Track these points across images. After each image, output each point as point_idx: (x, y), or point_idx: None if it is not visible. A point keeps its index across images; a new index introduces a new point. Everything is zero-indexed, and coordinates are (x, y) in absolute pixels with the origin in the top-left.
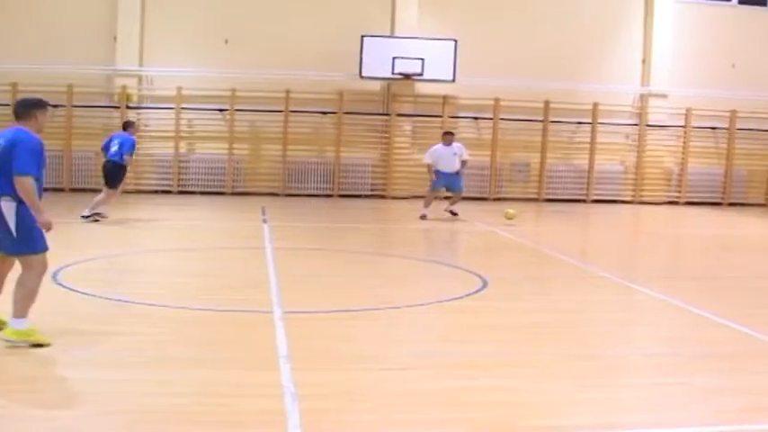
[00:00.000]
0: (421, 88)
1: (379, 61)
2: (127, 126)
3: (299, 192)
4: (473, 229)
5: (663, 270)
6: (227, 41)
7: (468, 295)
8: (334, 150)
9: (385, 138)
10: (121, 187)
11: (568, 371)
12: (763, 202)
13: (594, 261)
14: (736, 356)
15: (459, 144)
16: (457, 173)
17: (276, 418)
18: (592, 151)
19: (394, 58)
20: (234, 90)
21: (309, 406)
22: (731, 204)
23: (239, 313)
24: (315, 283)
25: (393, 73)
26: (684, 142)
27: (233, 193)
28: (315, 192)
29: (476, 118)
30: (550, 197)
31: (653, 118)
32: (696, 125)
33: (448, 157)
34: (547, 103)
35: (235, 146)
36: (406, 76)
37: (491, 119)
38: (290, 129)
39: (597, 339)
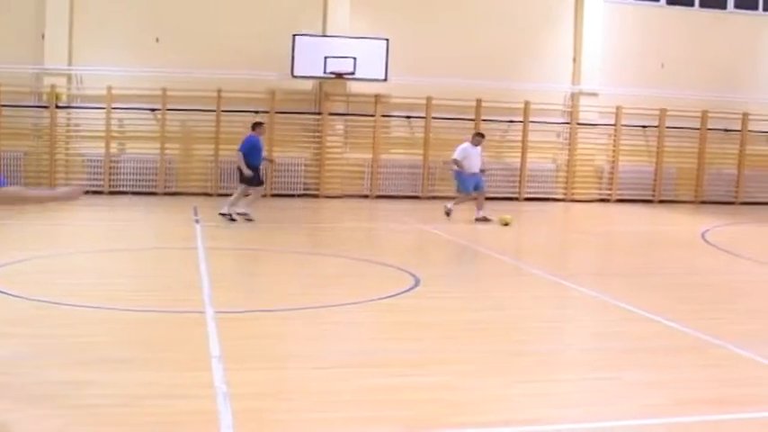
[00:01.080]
0: (353, 87)
1: (311, 60)
2: None
3: (231, 192)
4: (407, 227)
5: (594, 267)
6: (157, 40)
7: (400, 293)
8: (267, 150)
9: (317, 137)
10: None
11: (500, 367)
12: (692, 199)
13: (527, 258)
14: (665, 351)
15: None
16: (482, 172)
17: (209, 419)
18: (524, 150)
19: (326, 58)
20: (165, 89)
21: (242, 406)
22: (661, 202)
23: (172, 314)
24: (247, 282)
25: (325, 72)
26: (615, 140)
27: (165, 194)
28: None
29: (408, 117)
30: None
31: (584, 116)
32: (626, 123)
33: (476, 157)
34: (479, 101)
35: (166, 146)
36: (339, 76)
37: (423, 118)
38: (222, 128)
39: (529, 336)
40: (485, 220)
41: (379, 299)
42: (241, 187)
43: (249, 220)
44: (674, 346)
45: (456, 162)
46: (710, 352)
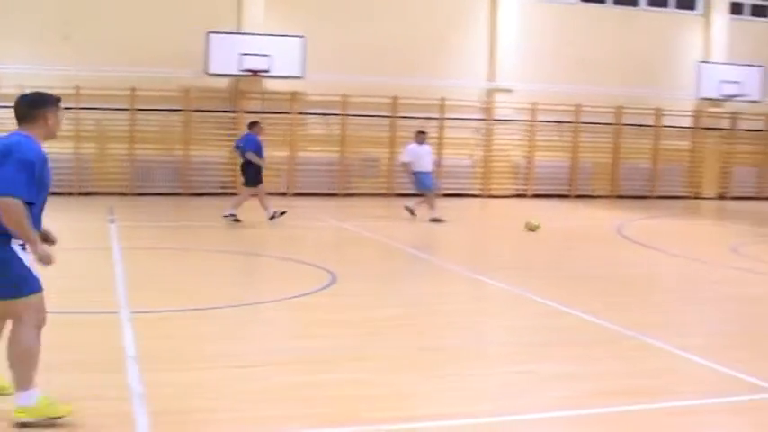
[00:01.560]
0: (269, 85)
1: (225, 58)
2: None
3: (147, 191)
4: (324, 225)
5: (509, 262)
6: (67, 38)
7: (317, 291)
8: (183, 149)
9: (234, 135)
10: None
11: (414, 362)
12: (608, 193)
13: (443, 255)
14: (580, 343)
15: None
16: (431, 172)
17: (125, 420)
18: (440, 146)
19: (241, 55)
20: (78, 88)
21: (159, 407)
22: (578, 196)
23: (86, 315)
24: (164, 282)
25: (240, 70)
26: (531, 136)
27: (80, 194)
28: (164, 191)
29: (324, 114)
30: (400, 192)
31: (499, 113)
32: (542, 119)
33: (426, 156)
34: (395, 98)
35: (81, 145)
36: (254, 73)
37: (340, 115)
38: (136, 127)
39: (443, 331)
40: (437, 220)
41: (296, 296)
42: (247, 190)
43: (237, 220)
44: (588, 339)
45: (405, 165)
46: (624, 343)
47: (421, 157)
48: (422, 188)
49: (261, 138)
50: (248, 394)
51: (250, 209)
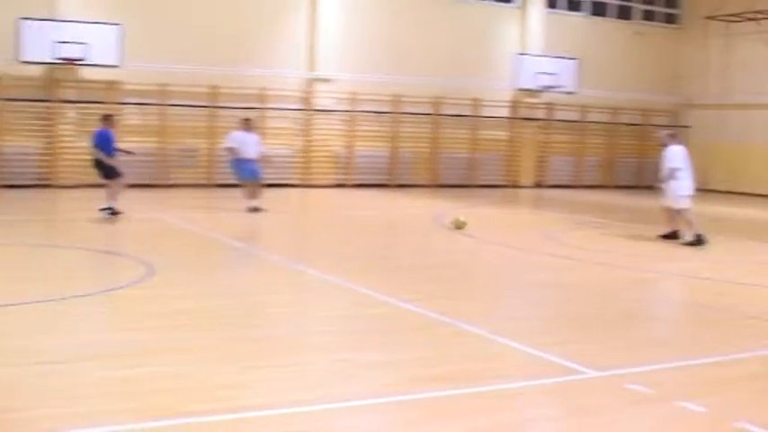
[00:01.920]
0: (85, 74)
1: (39, 45)
2: None
3: None
4: (142, 216)
5: (329, 251)
6: None
7: (134, 283)
8: None
9: (48, 125)
10: None
11: (233, 353)
12: (428, 182)
13: (263, 245)
14: (398, 331)
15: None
16: (257, 160)
17: None
18: (261, 136)
19: (56, 43)
20: None
21: None
22: (398, 186)
23: None
24: None
25: (55, 57)
26: (351, 126)
27: None
28: None
29: (142, 104)
30: (221, 182)
31: (320, 103)
32: (362, 110)
33: (251, 144)
34: (215, 88)
35: None
36: (70, 61)
37: (158, 105)
38: None
39: (262, 321)
40: (256, 209)
41: (113, 289)
42: (114, 182)
43: (115, 213)
44: (406, 327)
45: (230, 150)
46: (441, 330)
47: (246, 144)
48: (245, 176)
49: (113, 130)
50: (63, 390)
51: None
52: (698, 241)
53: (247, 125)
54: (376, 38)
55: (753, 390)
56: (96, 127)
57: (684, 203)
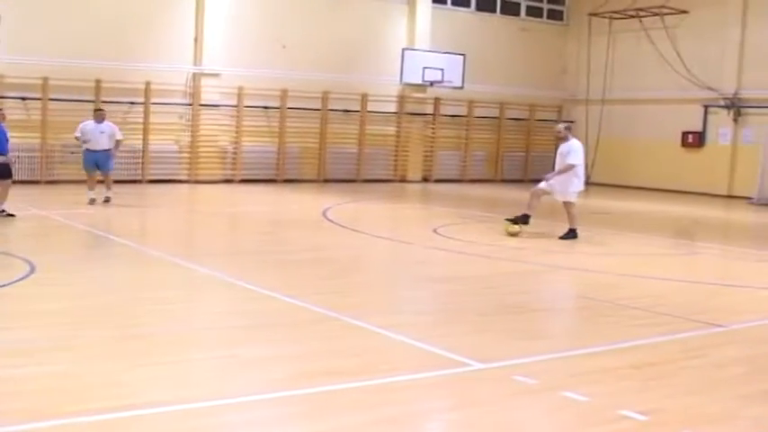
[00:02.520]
0: None
1: None
2: None
3: None
4: (25, 213)
5: (217, 247)
6: None
7: (15, 282)
8: None
9: None
10: None
11: (118, 351)
12: (315, 178)
13: (148, 241)
14: (284, 326)
15: (110, 123)
16: (107, 151)
17: None
18: (145, 131)
19: None
20: None
21: None
22: (286, 181)
23: None
24: None
25: None
26: (238, 121)
27: None
28: None
29: (23, 98)
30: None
31: (206, 97)
32: (249, 104)
33: (99, 135)
34: (98, 82)
35: None
36: None
37: (40, 99)
38: None
39: (148, 318)
40: (106, 200)
41: None
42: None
43: (9, 215)
44: (292, 321)
45: (77, 139)
46: (326, 324)
47: (95, 135)
48: (90, 167)
49: (4, 125)
50: None
51: None
52: (573, 235)
53: (99, 116)
54: (263, 31)
55: (635, 379)
56: None
57: (574, 198)
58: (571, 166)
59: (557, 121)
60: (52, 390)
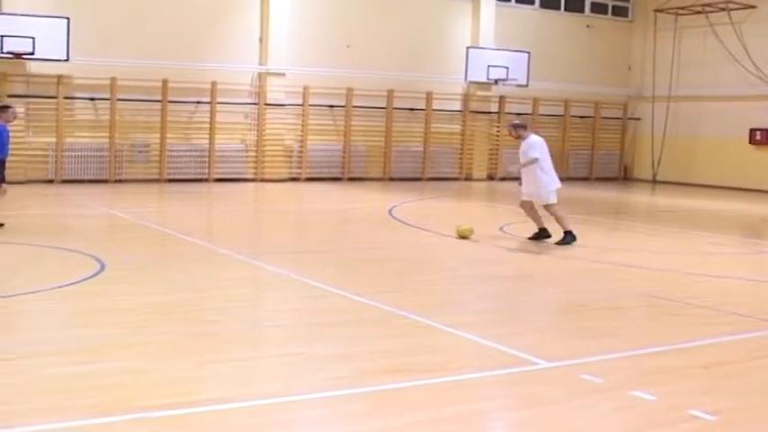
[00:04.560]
0: (34, 68)
1: None
2: None
3: None
4: (94, 212)
5: (285, 245)
6: None
7: (87, 279)
8: None
9: None
10: None
11: (190, 348)
12: (381, 176)
13: (218, 239)
14: (350, 324)
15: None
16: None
17: None
18: (212, 130)
19: (2, 37)
20: None
21: None
22: (351, 179)
23: None
24: None
25: (2, 52)
26: (303, 120)
27: None
28: None
29: (92, 99)
30: (173, 177)
31: (271, 97)
32: (314, 103)
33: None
34: (165, 82)
35: None
36: (17, 56)
37: (108, 99)
38: None
39: (218, 316)
40: None
41: (65, 285)
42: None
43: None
44: (358, 320)
45: None
46: (393, 322)
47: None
48: None
49: (9, 125)
50: (16, 387)
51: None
52: (570, 238)
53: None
54: (328, 31)
55: (703, 378)
56: None
57: (553, 198)
58: (534, 160)
59: (621, 119)
60: (125, 385)
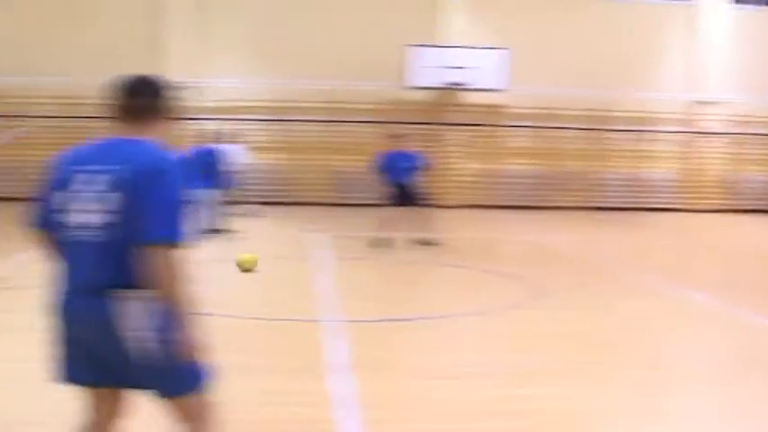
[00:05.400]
0: (469, 98)
1: (424, 71)
2: None
3: (347, 201)
4: (520, 239)
5: (712, 278)
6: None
7: (524, 304)
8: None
9: (433, 148)
10: None
11: (626, 380)
12: None
13: (639, 270)
14: None
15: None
16: None
17: (328, 428)
18: (643, 159)
19: (441, 68)
20: (273, 100)
21: (369, 415)
22: None
23: (290, 322)
24: (368, 291)
25: (442, 83)
26: (737, 149)
27: (276, 203)
28: (364, 201)
29: (528, 127)
30: (599, 205)
31: (704, 125)
32: (751, 132)
33: None
34: (598, 111)
35: (279, 155)
36: (455, 86)
37: (539, 127)
38: (336, 138)
39: (651, 348)
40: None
41: (501, 309)
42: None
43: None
44: None
45: None
46: None
47: None
48: None
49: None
50: (454, 407)
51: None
52: None
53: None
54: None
55: None
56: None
57: None
58: None
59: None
60: (560, 411)
